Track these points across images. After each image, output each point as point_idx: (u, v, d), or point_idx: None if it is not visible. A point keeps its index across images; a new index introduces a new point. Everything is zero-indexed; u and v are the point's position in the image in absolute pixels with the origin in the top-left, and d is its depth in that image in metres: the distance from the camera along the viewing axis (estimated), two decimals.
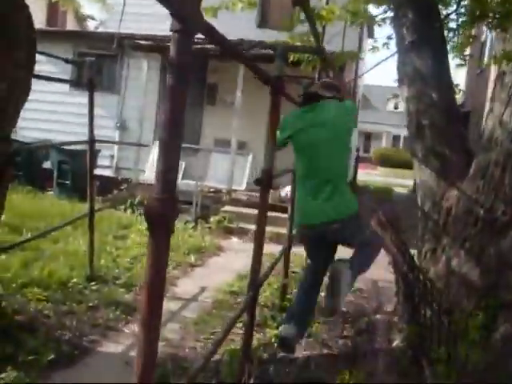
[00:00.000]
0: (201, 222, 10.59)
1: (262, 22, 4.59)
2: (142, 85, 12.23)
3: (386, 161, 38.19)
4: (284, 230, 10.26)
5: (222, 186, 11.64)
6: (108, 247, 7.76)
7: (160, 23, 12.51)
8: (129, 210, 11.20)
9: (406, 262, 5.31)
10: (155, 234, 1.86)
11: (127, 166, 12.72)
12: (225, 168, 11.95)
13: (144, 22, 12.68)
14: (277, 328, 5.46)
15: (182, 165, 12.40)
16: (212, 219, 10.58)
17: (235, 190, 11.64)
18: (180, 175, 12.23)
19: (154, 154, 12.20)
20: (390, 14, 7.22)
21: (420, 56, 5.73)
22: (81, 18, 17.23)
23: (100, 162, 12.22)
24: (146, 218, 1.84)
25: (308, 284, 4.35)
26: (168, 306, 5.96)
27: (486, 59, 14.00)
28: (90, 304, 5.58)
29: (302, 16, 7.64)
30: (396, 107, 57.29)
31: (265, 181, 3.73)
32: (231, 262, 8.36)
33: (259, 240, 3.94)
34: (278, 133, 4.07)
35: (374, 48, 7.87)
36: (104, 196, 12.08)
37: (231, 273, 7.58)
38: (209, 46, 11.51)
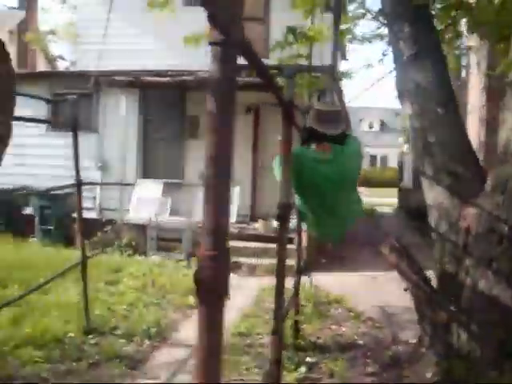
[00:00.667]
0: (193, 259, 10.16)
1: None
2: (121, 122, 11.86)
3: (368, 181, 38.12)
4: (288, 262, 9.94)
5: None
6: (101, 294, 7.32)
7: (134, 58, 12.33)
8: (116, 253, 10.75)
9: (426, 289, 5.00)
10: (208, 300, 1.48)
11: (111, 206, 12.28)
12: None
13: (118, 58, 12.35)
14: (295, 370, 5.08)
15: (168, 201, 12.02)
16: None
17: None
18: (167, 212, 11.85)
19: (137, 192, 11.81)
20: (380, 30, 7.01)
21: (421, 69, 5.46)
22: (51, 59, 16.86)
23: (83, 203, 11.79)
24: (195, 281, 1.46)
25: None
26: (173, 354, 5.57)
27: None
28: (91, 361, 5.14)
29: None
30: (371, 126, 57.68)
31: (284, 215, 3.37)
32: (231, 299, 7.90)
33: (281, 277, 3.57)
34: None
35: (369, 66, 7.53)
36: (88, 239, 11.63)
37: (234, 312, 7.16)
38: (187, 78, 11.27)
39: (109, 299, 7.23)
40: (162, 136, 12.81)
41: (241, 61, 2.02)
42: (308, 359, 5.40)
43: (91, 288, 7.01)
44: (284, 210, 3.45)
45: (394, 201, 24.95)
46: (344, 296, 8.06)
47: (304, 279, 9.40)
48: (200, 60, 11.89)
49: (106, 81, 11.15)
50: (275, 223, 11.08)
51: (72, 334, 5.68)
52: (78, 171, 5.78)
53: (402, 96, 5.68)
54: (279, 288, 3.56)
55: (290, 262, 9.92)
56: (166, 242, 11.07)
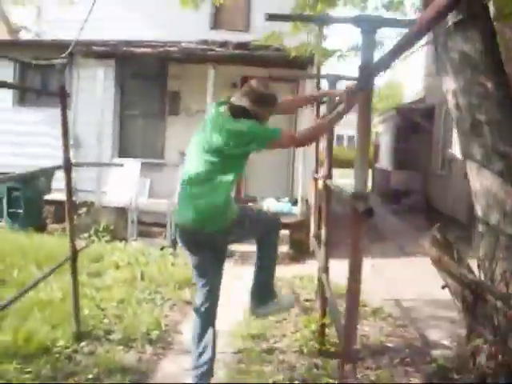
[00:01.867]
0: (179, 246, 9.35)
1: None
2: (96, 97, 10.88)
3: (335, 161, 37.56)
4: (280, 248, 9.22)
5: None
6: (87, 290, 6.47)
7: (109, 29, 11.33)
8: (94, 238, 9.88)
9: (477, 288, 4.36)
10: None
11: (85, 187, 11.33)
12: None
13: (90, 28, 11.36)
14: None
15: (147, 182, 11.17)
16: None
17: None
18: (146, 194, 11.01)
19: (115, 172, 10.89)
20: None
21: (467, 39, 4.75)
22: (14, 30, 15.64)
23: (55, 184, 10.88)
24: None
25: None
26: (181, 362, 4.82)
27: None
28: (89, 375, 4.34)
29: None
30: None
31: (366, 208, 2.61)
32: (229, 292, 7.17)
33: (355, 287, 2.82)
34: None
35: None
36: (61, 223, 10.75)
37: (236, 308, 6.44)
38: (170, 49, 10.37)
39: (96, 295, 6.41)
40: (140, 112, 11.93)
41: None
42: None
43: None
44: (363, 201, 2.69)
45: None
46: None
47: (302, 268, 8.83)
48: (181, 31, 11.18)
49: (80, 51, 10.15)
50: (266, 207, 10.37)
51: (62, 342, 4.85)
52: (67, 149, 4.93)
53: (443, 69, 4.98)
54: (353, 305, 2.82)
55: (279, 248, 9.39)
56: (147, 226, 10.24)
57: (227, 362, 4.86)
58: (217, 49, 10.32)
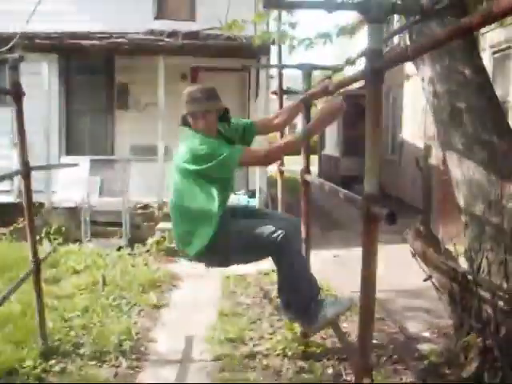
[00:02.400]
0: (137, 245, 9.01)
1: None
2: (40, 92, 10.34)
3: None
4: None
5: (151, 200, 10.08)
6: (47, 299, 6.05)
7: (50, 21, 10.77)
8: (45, 241, 9.41)
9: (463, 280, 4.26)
10: None
11: (34, 188, 10.76)
12: (149, 178, 10.40)
13: (32, 20, 10.80)
14: None
15: (97, 180, 10.72)
16: (149, 240, 9.04)
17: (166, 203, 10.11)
18: (97, 192, 10.56)
19: (63, 171, 10.41)
20: None
21: (444, 26, 4.60)
22: None
23: None
24: None
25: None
26: (161, 375, 4.55)
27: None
28: None
29: None
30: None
31: (389, 212, 2.38)
32: (197, 293, 6.96)
33: (368, 302, 2.63)
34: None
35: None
36: (7, 226, 10.22)
37: (208, 310, 6.20)
38: (118, 40, 9.95)
39: (57, 304, 6.04)
40: (87, 107, 11.48)
41: None
42: (330, 371, 4.53)
43: (27, 291, 5.86)
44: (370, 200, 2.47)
45: (313, 169, 24.34)
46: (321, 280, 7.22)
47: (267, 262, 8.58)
48: (124, 22, 10.74)
49: (21, 44, 9.60)
50: None
51: (29, 362, 4.49)
52: (24, 153, 4.56)
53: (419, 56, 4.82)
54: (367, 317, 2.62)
55: None
56: (101, 226, 9.83)
57: (209, 371, 4.61)
58: (166, 39, 9.96)
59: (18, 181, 11.15)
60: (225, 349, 5.03)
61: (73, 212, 9.91)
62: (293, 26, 6.15)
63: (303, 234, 4.69)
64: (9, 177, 4.53)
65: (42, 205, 10.37)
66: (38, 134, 10.69)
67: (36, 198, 10.31)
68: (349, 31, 5.68)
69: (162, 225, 9.42)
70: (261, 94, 10.44)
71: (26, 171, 4.59)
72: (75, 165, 8.83)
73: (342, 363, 4.65)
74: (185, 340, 5.32)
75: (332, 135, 22.99)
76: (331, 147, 23.64)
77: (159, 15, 12.18)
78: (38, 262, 4.72)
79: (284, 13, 6.55)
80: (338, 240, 10.33)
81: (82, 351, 4.85)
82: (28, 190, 4.67)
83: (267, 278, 7.47)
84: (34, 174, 10.32)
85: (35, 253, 4.71)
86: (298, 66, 4.79)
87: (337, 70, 6.33)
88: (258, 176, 10.10)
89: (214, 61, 10.90)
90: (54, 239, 9.49)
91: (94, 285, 6.76)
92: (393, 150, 16.38)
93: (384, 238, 7.98)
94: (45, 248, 8.29)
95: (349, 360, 4.55)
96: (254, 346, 5.15)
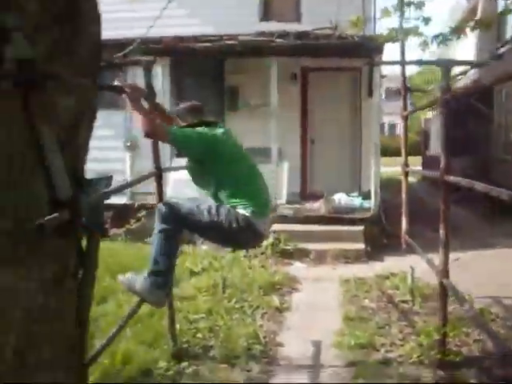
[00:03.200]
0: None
1: None
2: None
3: (384, 151, 36.75)
4: (352, 246, 8.76)
5: None
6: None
7: (160, 26, 10.90)
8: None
9: None
10: None
11: (145, 189, 10.98)
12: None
13: (142, 26, 11.02)
14: None
15: None
16: (264, 242, 8.92)
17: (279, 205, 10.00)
18: None
19: (174, 173, 10.50)
20: None
21: None
22: None
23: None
24: None
25: None
26: (294, 379, 4.40)
27: None
28: None
29: None
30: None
31: None
32: (317, 296, 6.80)
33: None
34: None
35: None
36: (121, 227, 10.46)
37: (331, 314, 6.02)
38: (230, 42, 9.95)
39: (180, 306, 6.03)
40: None
41: None
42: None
43: None
44: None
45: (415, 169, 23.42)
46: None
47: (383, 265, 8.31)
48: (230, 25, 10.74)
49: (136, 49, 9.77)
50: (338, 201, 9.91)
51: (162, 363, 4.47)
52: (157, 156, 4.56)
53: None
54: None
55: (355, 245, 8.91)
56: None
57: (343, 376, 4.42)
58: (277, 40, 9.86)
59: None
60: (356, 355, 4.83)
61: None
62: (426, 21, 5.86)
63: (443, 237, 4.42)
64: (144, 179, 4.50)
65: (152, 206, 10.50)
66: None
67: (148, 199, 10.57)
68: (486, 25, 5.35)
69: (276, 226, 9.30)
70: (374, 93, 10.14)
71: (158, 174, 4.59)
72: (185, 167, 8.88)
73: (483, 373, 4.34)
74: (312, 344, 5.16)
75: (437, 135, 22.24)
76: (436, 148, 22.87)
77: (265, 17, 12.13)
78: None
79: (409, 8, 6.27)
80: (454, 242, 9.85)
81: (211, 354, 4.79)
82: (160, 193, 4.66)
83: (388, 282, 7.21)
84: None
85: None
86: (437, 62, 4.53)
87: (479, 64, 5.99)
88: (372, 176, 9.79)
89: (324, 61, 10.71)
90: None
91: (215, 287, 6.71)
92: (505, 149, 15.57)
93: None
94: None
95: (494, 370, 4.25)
96: (386, 352, 4.92)
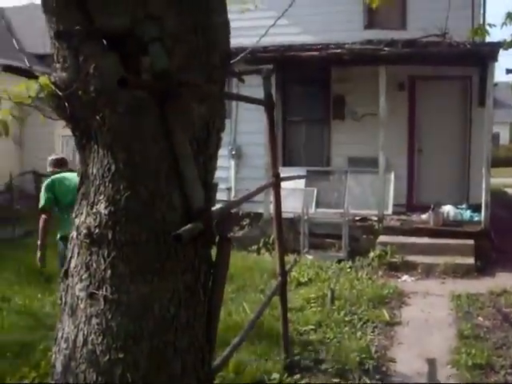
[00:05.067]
0: (358, 258, 8.79)
1: None
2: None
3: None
4: (461, 260, 8.42)
5: (369, 212, 9.80)
6: (274, 310, 6.02)
7: (267, 35, 10.95)
8: (263, 252, 9.57)
9: None
10: None
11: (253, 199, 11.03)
12: (366, 191, 10.17)
13: (246, 35, 11.13)
14: None
15: (314, 191, 10.68)
16: (371, 254, 8.76)
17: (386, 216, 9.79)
18: (313, 204, 10.52)
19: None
20: None
21: None
22: None
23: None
24: None
25: None
26: None
27: None
28: None
29: None
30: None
31: None
32: (428, 312, 6.56)
33: None
34: None
35: None
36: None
37: (444, 330, 5.81)
38: (337, 51, 9.86)
39: (290, 316, 5.96)
40: (303, 118, 11.47)
41: None
42: None
43: (254, 300, 5.91)
44: None
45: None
46: None
47: (495, 281, 7.93)
48: (334, 33, 10.62)
49: (242, 58, 9.84)
50: (446, 213, 9.58)
51: (275, 375, 4.44)
52: (275, 164, 4.54)
53: None
54: None
55: (465, 259, 8.54)
56: (318, 237, 9.75)
57: None
58: (385, 48, 9.66)
59: (233, 192, 11.51)
60: (474, 375, 4.62)
61: (290, 222, 9.92)
62: None
63: None
64: (262, 190, 4.49)
65: (256, 215, 10.57)
66: (254, 146, 10.99)
67: (252, 208, 10.64)
68: None
69: (382, 238, 9.12)
70: (487, 102, 9.72)
71: (277, 182, 4.57)
72: (303, 176, 8.90)
73: None
74: (426, 362, 4.98)
75: None
76: None
77: (369, 25, 11.93)
78: (285, 276, 4.68)
79: None
80: None
81: (323, 367, 4.71)
82: (278, 200, 4.62)
83: (502, 299, 6.88)
84: (244, 184, 10.58)
85: (283, 266, 4.68)
86: None
87: None
88: (483, 188, 9.37)
89: (432, 69, 10.40)
90: (273, 249, 9.58)
91: (323, 298, 6.63)
92: None
93: None
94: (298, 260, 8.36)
95: None
96: (506, 374, 4.68)
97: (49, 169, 5.86)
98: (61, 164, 5.84)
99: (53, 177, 5.60)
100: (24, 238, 9.61)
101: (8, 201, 12.47)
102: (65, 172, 5.68)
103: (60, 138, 15.38)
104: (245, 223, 10.97)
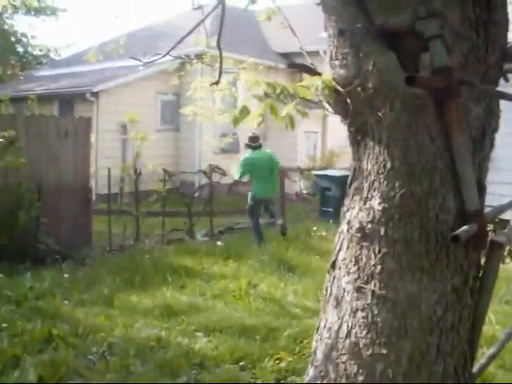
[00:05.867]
0: None
1: None
2: None
3: None
4: None
5: None
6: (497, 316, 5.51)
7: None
8: (508, 261, 8.94)
9: None
10: None
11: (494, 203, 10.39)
12: None
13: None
14: None
15: None
16: None
17: None
18: None
19: None
20: None
21: None
22: None
23: None
24: None
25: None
26: None
27: None
28: None
29: None
30: None
31: None
32: None
33: None
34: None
35: None
36: None
37: None
38: None
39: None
40: None
41: None
42: None
43: (498, 311, 5.43)
44: None
45: None
46: None
47: None
48: None
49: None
50: None
51: None
52: None
53: None
54: None
55: None
56: None
57: None
58: None
59: None
60: None
61: None
62: None
63: None
64: None
65: (504, 221, 9.91)
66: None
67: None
68: None
69: None
70: None
71: None
72: None
73: None
74: None
75: None
76: None
77: None
78: None
79: None
80: None
81: None
82: None
83: None
84: (501, 189, 9.97)
85: None
86: None
87: None
88: None
89: None
90: None
91: None
92: None
93: None
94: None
95: None
96: None
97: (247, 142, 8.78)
98: (254, 140, 8.64)
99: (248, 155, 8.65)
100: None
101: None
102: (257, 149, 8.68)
103: (302, 134, 15.94)
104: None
